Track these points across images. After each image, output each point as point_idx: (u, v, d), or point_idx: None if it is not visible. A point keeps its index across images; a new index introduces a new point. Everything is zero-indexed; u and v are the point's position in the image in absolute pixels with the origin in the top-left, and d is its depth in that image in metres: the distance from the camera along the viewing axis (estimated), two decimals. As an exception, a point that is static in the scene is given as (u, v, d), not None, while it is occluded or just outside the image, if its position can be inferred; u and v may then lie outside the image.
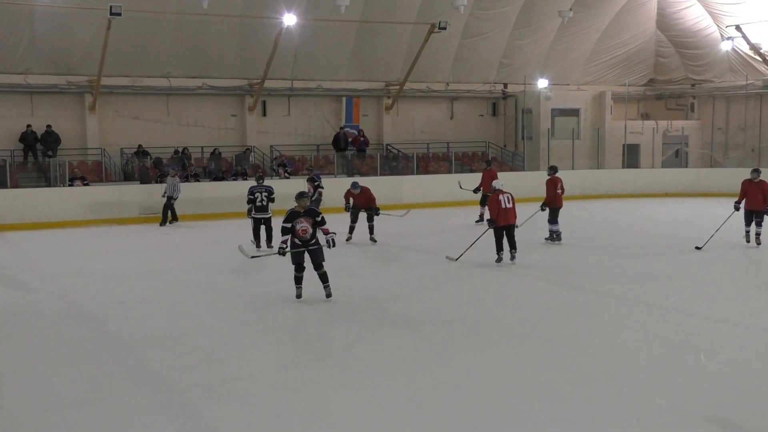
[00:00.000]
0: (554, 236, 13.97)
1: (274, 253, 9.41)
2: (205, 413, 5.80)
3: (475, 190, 17.55)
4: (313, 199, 15.31)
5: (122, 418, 5.69)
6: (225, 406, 5.90)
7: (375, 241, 14.36)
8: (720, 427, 5.44)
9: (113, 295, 10.10)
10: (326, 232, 9.26)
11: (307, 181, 16.53)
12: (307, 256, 9.28)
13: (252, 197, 13.52)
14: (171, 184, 17.72)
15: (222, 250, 13.63)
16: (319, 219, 9.27)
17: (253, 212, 13.56)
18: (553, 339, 7.80)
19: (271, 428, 5.52)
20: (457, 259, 12.07)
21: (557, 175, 14.06)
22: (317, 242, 9.32)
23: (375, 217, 14.40)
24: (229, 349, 7.52)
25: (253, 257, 9.54)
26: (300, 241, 9.22)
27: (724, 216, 13.50)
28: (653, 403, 5.89)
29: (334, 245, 9.28)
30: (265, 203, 13.54)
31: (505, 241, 11.83)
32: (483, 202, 17.62)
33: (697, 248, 13.02)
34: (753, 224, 13.28)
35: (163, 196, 17.72)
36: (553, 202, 13.88)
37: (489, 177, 17.35)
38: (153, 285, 10.86)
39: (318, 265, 9.30)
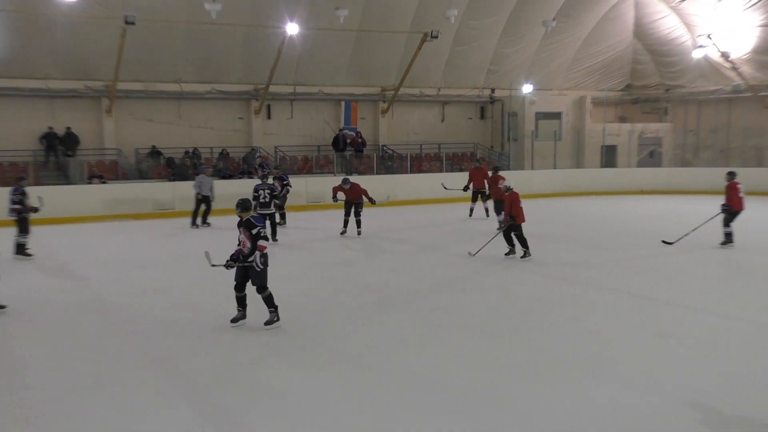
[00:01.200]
0: (501, 225, 14.25)
1: (224, 265, 7.66)
2: (213, 395, 5.78)
3: (465, 188, 17.47)
4: (281, 196, 15.32)
5: (135, 399, 5.68)
6: (232, 390, 5.88)
7: (359, 233, 14.47)
8: (696, 408, 5.43)
9: (129, 284, 10.07)
10: (261, 249, 7.54)
11: (275, 179, 15.92)
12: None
13: (256, 194, 13.57)
14: (207, 183, 16.38)
15: (229, 244, 13.53)
16: (254, 232, 7.54)
17: (258, 209, 13.55)
18: (536, 325, 7.80)
19: (273, 410, 5.51)
20: (475, 254, 12.02)
21: (499, 173, 15.98)
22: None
23: (362, 212, 14.53)
24: (235, 335, 7.50)
25: (213, 266, 7.65)
26: (242, 255, 7.64)
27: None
28: (631, 383, 5.89)
29: (260, 267, 7.52)
30: (267, 200, 13.62)
31: (503, 237, 11.96)
32: (474, 198, 17.53)
33: (667, 243, 12.96)
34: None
35: (202, 195, 16.36)
36: (495, 196, 15.39)
37: (481, 175, 17.35)
38: (166, 276, 10.84)
39: (258, 288, 7.61)
